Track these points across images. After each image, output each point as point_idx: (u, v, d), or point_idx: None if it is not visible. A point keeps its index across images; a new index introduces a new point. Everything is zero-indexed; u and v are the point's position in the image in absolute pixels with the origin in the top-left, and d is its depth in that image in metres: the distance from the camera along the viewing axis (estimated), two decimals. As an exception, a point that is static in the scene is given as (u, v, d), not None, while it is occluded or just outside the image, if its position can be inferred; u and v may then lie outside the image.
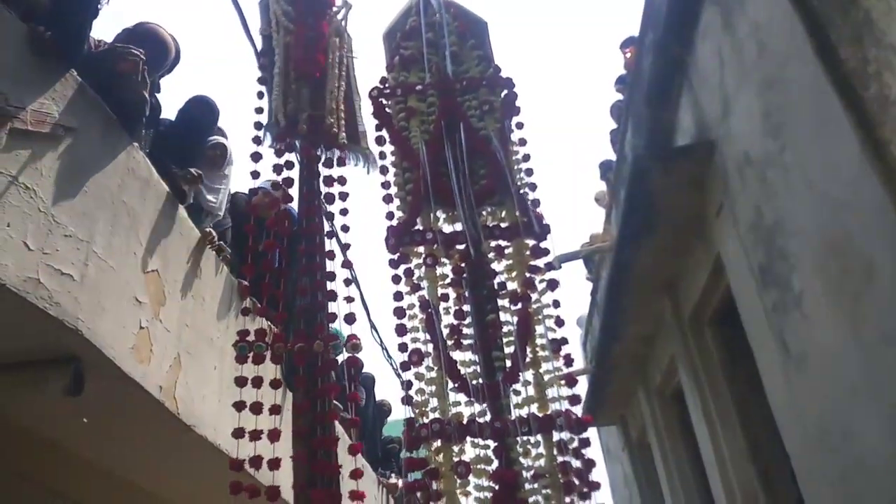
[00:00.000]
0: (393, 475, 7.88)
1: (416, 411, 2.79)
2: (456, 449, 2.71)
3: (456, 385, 2.86)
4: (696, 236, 5.17)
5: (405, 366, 2.92)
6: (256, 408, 3.11)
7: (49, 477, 2.95)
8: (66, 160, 2.40)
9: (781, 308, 3.79)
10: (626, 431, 8.62)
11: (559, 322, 2.98)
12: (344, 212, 3.35)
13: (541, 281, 3.05)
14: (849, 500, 3.32)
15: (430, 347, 2.95)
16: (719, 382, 5.38)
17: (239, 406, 3.02)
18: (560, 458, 2.72)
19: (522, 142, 3.31)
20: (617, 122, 7.70)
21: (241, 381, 3.24)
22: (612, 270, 6.14)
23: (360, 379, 6.73)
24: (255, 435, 2.96)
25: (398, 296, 3.10)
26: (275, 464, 2.95)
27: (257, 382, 3.31)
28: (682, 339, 5.84)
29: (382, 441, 8.80)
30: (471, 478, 2.66)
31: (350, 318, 3.45)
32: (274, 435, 2.93)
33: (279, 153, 3.31)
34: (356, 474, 2.95)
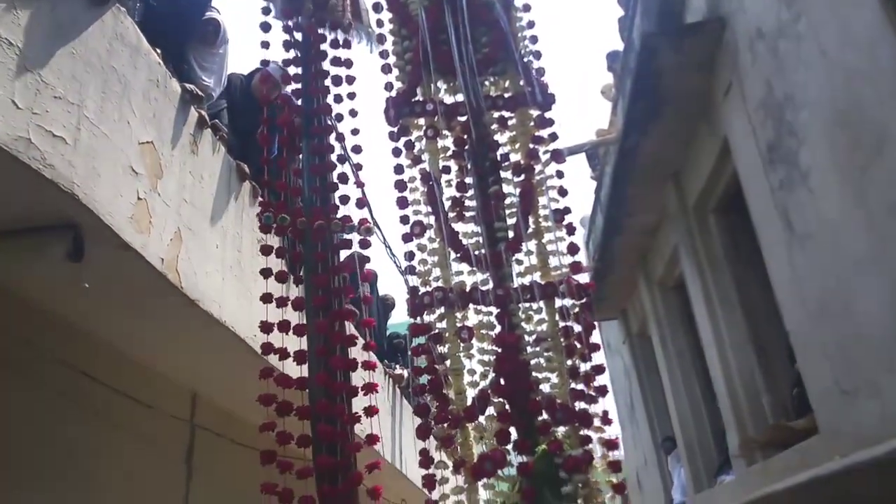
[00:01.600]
0: (398, 367, 8.06)
1: (419, 280, 2.80)
2: (459, 315, 2.74)
3: (458, 255, 2.86)
4: (704, 120, 5.06)
5: (407, 237, 2.91)
6: (276, 300, 3.16)
7: (55, 347, 2.99)
8: (50, 19, 2.30)
9: (788, 185, 3.74)
10: (627, 324, 8.74)
11: (562, 192, 2.95)
12: (351, 95, 3.28)
13: (545, 152, 3.00)
14: (846, 371, 3.36)
15: (431, 219, 2.93)
16: (721, 269, 5.39)
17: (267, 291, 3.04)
18: (562, 323, 2.75)
19: (527, 7, 3.18)
20: (625, 8, 7.42)
21: (265, 250, 3.27)
22: (617, 158, 6.06)
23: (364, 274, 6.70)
24: (280, 326, 3.00)
25: (399, 169, 3.06)
26: (301, 357, 3.00)
27: (282, 277, 3.35)
28: (685, 227, 5.82)
29: (388, 337, 8.98)
30: (474, 342, 2.69)
31: (361, 203, 3.44)
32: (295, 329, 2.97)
33: (286, 30, 3.22)
34: (370, 365, 3.02)
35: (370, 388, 2.90)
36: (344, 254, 3.32)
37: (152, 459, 3.59)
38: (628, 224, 6.79)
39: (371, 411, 2.87)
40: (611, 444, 2.65)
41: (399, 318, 10.27)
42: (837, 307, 3.38)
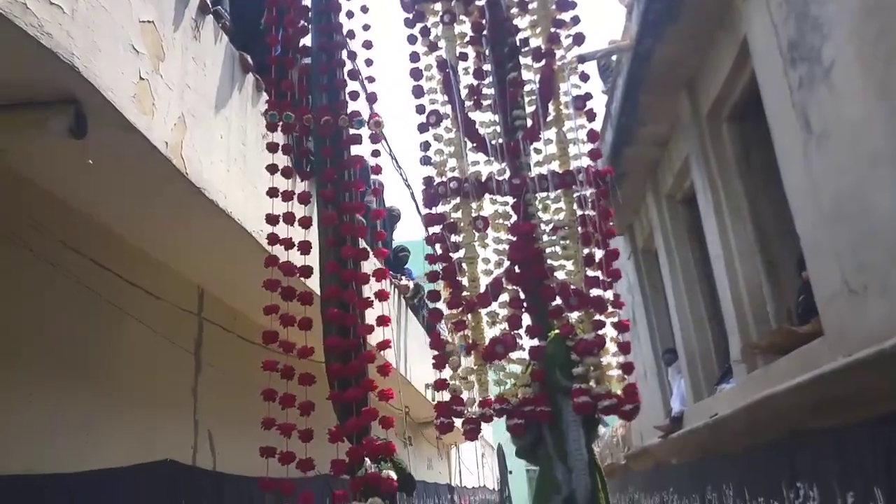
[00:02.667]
0: (403, 278, 8.11)
1: (435, 171, 2.75)
2: (474, 206, 2.70)
3: (475, 145, 2.80)
4: (722, 22, 4.89)
5: (423, 127, 2.85)
6: (285, 195, 3.12)
7: (62, 231, 2.97)
8: None
9: (808, 84, 3.63)
10: (633, 240, 8.73)
11: (584, 77, 2.85)
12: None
13: (566, 36, 2.89)
14: (856, 271, 3.34)
15: (448, 109, 2.85)
16: (733, 178, 5.33)
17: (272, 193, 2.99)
18: (579, 212, 2.72)
19: None
20: None
21: (271, 147, 3.22)
22: (630, 65, 5.90)
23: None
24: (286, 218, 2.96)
25: (414, 57, 2.96)
26: (305, 247, 2.98)
27: (287, 173, 3.30)
28: (698, 137, 5.72)
29: (394, 250, 8.99)
30: (489, 231, 2.67)
31: (372, 98, 3.35)
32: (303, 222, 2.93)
33: None
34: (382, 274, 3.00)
35: (382, 296, 2.89)
36: (354, 150, 3.26)
37: (161, 350, 3.63)
38: (640, 134, 6.68)
39: (384, 321, 2.86)
40: (621, 327, 2.65)
41: (403, 232, 10.24)
42: (852, 207, 3.33)
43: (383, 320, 2.86)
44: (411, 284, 8.08)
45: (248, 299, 4.33)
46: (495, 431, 26.55)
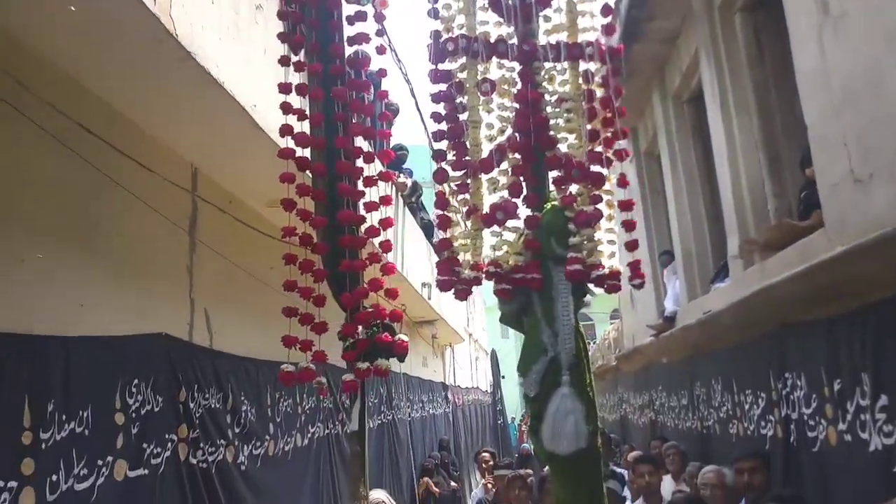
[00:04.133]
0: (402, 175, 8.03)
1: (443, 26, 2.62)
2: (481, 68, 2.59)
3: (487, 3, 2.66)
4: None
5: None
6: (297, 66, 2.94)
7: (49, 92, 2.87)
8: None
9: (829, -38, 3.45)
10: (636, 143, 8.60)
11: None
12: None
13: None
14: (863, 158, 3.28)
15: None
16: (742, 72, 5.18)
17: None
18: (585, 87, 2.63)
19: None
20: None
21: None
22: (643, -49, 5.63)
23: (368, 76, 6.42)
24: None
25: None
26: (316, 119, 2.83)
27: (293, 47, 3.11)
28: (709, 29, 5.53)
29: (392, 148, 8.87)
30: (494, 96, 2.58)
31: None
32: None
33: None
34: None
35: (386, 201, 2.81)
36: (359, 26, 3.08)
37: (155, 225, 3.59)
38: (648, 29, 6.46)
39: (386, 223, 2.79)
40: (626, 205, 2.61)
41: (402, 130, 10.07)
42: (864, 90, 3.23)
43: (387, 223, 2.79)
44: (409, 182, 8.01)
45: (242, 181, 4.28)
46: (490, 337, 27.13)
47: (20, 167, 2.78)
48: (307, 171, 2.69)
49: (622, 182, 2.65)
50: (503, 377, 24.72)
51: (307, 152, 2.74)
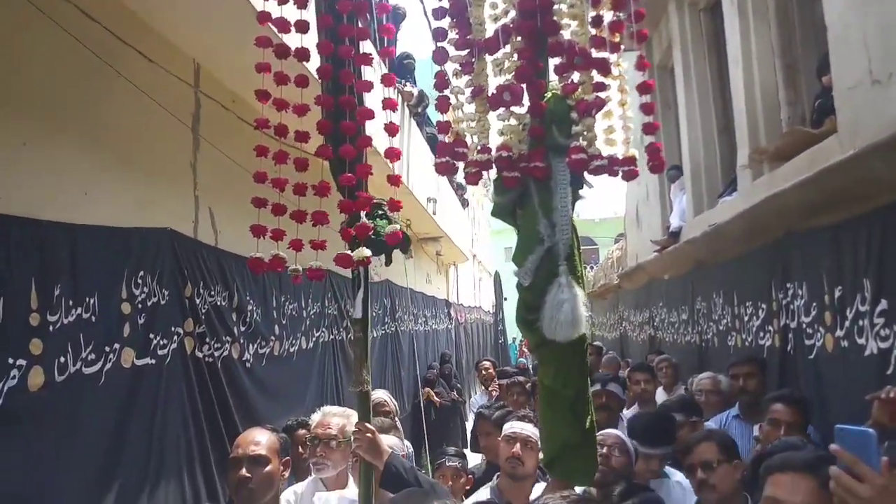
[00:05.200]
0: (408, 84, 7.89)
1: None
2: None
3: None
4: None
5: None
6: None
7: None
8: None
9: None
10: (650, 55, 8.37)
11: None
12: None
13: None
14: (883, 58, 3.18)
15: None
16: (762, -24, 4.98)
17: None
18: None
19: None
20: None
21: None
22: None
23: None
24: None
25: None
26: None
27: None
28: (731, -71, 5.29)
29: (399, 56, 8.67)
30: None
31: None
32: None
33: None
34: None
35: (390, 105, 2.71)
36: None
37: (158, 119, 3.54)
38: (668, -69, 6.19)
39: (392, 129, 2.71)
40: (644, 88, 2.51)
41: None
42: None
43: (391, 128, 2.72)
44: (415, 91, 7.87)
45: (244, 82, 4.19)
46: (494, 258, 27.28)
47: (22, 51, 2.72)
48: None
49: (641, 65, 2.54)
50: (505, 299, 25.00)
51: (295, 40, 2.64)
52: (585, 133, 2.40)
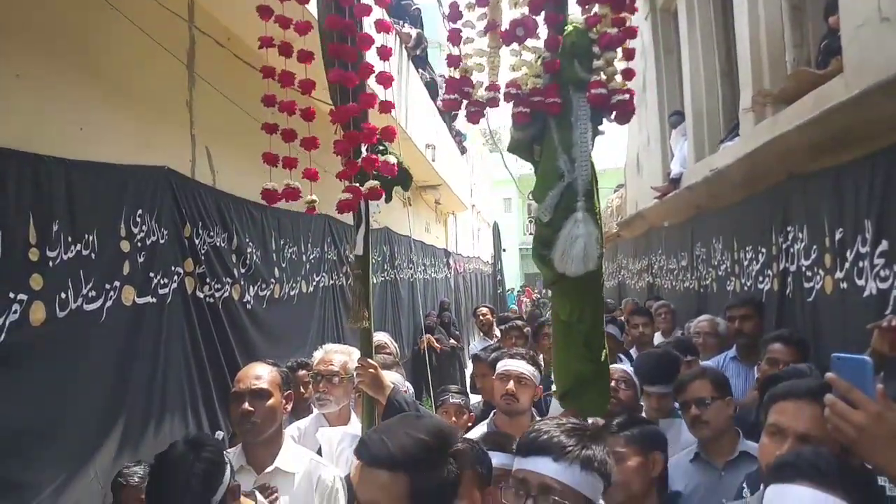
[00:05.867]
0: (406, 25, 7.74)
1: None
2: None
3: None
4: None
5: None
6: None
7: None
8: None
9: None
10: (653, 6, 8.21)
11: None
12: None
13: None
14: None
15: None
16: (772, -89, 4.84)
17: None
18: None
19: None
20: None
21: None
22: None
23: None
24: None
25: None
26: None
27: None
28: None
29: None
30: None
31: None
32: None
33: None
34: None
35: (385, 53, 2.65)
36: None
37: (154, 56, 3.47)
38: None
39: (386, 80, 2.64)
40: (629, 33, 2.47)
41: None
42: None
43: (385, 78, 2.66)
44: (413, 33, 7.72)
45: (240, 20, 4.10)
46: (493, 209, 27.23)
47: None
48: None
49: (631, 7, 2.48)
50: (504, 250, 25.02)
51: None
52: (606, 67, 2.38)
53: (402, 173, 2.65)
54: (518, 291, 28.20)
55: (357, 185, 2.46)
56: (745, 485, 2.32)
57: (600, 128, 2.47)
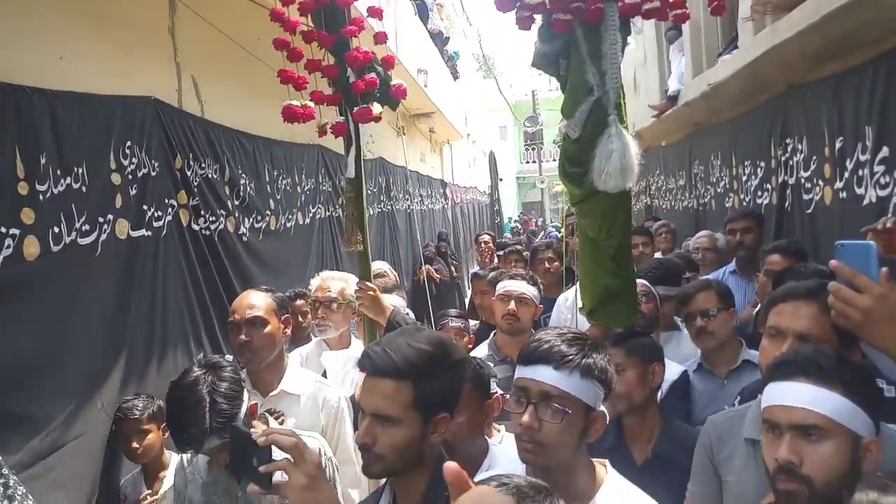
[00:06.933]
0: (394, -54, 7.46)
1: None
2: None
3: None
4: None
5: None
6: None
7: None
8: None
9: None
10: None
11: None
12: None
13: None
14: None
15: None
16: None
17: None
18: None
19: None
20: None
21: None
22: None
23: None
24: None
25: None
26: None
27: None
28: None
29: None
30: None
31: None
32: None
33: None
34: None
35: None
36: None
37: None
38: None
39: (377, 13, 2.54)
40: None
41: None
42: None
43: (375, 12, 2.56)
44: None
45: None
46: (488, 138, 26.92)
47: None
48: None
49: None
50: (501, 179, 24.86)
51: None
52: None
53: (388, 90, 2.59)
54: (516, 220, 28.15)
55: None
56: (739, 397, 2.35)
57: (629, 38, 2.39)
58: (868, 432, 1.34)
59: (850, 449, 1.31)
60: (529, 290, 3.23)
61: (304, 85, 2.44)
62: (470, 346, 3.77)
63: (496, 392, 2.14)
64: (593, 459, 1.60)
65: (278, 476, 1.28)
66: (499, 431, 2.35)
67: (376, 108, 2.55)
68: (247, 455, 1.28)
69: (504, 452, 1.95)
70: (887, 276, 1.38)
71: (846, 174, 3.51)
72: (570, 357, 1.50)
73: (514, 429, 1.55)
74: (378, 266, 4.71)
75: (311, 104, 2.44)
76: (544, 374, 1.50)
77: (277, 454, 1.29)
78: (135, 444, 2.76)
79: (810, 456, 1.32)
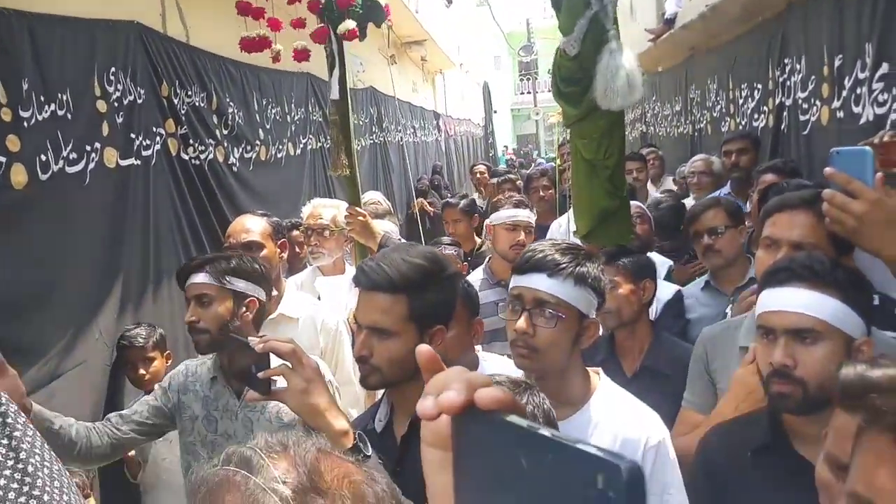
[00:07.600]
0: None
1: None
2: None
3: None
4: None
5: None
6: None
7: None
8: None
9: None
10: None
11: None
12: None
13: None
14: None
15: None
16: None
17: None
18: None
19: None
20: None
21: None
22: None
23: None
24: None
25: None
26: None
27: None
28: None
29: None
30: None
31: None
32: None
33: None
34: None
35: None
36: None
37: None
38: None
39: None
40: None
41: None
42: None
43: None
44: None
45: None
46: (482, 68, 26.41)
47: None
48: None
49: None
50: (495, 111, 24.51)
51: None
52: None
53: (372, 6, 2.51)
54: (512, 150, 27.93)
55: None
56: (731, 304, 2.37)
57: None
58: (861, 334, 1.35)
59: (843, 351, 1.33)
60: (533, 220, 3.32)
61: (261, 14, 2.37)
62: (463, 272, 3.80)
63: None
64: (588, 368, 1.62)
65: (280, 383, 1.30)
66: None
67: (349, 23, 2.46)
68: (246, 362, 1.30)
69: (492, 368, 1.98)
70: (882, 181, 1.37)
71: (844, 92, 3.46)
72: (564, 265, 1.51)
73: (509, 336, 1.56)
74: (371, 195, 4.70)
75: (269, 33, 2.38)
76: (538, 282, 1.51)
77: (275, 361, 1.30)
78: (142, 371, 2.80)
79: (805, 359, 1.33)
